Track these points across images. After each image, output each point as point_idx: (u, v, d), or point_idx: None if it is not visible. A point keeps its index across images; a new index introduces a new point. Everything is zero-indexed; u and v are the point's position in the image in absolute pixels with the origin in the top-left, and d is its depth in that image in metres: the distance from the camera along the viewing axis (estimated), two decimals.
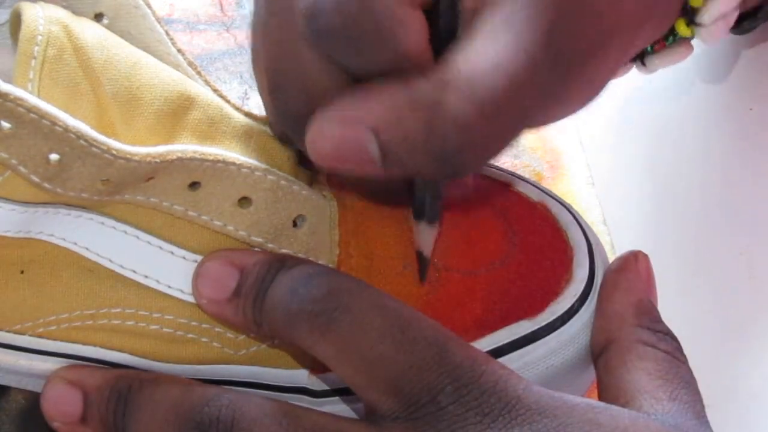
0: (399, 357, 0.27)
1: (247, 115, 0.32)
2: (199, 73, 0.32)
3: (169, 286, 0.30)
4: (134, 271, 0.30)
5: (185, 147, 0.29)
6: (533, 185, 0.35)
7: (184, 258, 0.30)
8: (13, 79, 0.27)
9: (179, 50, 0.32)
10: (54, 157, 0.26)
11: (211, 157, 0.29)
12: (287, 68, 0.28)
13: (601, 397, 0.30)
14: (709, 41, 0.33)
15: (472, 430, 0.26)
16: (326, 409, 0.31)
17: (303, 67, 0.27)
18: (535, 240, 0.33)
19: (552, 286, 0.32)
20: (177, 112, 0.30)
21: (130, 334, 0.30)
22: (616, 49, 0.29)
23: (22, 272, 0.29)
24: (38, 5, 0.28)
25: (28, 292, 0.29)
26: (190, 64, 0.32)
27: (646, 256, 0.32)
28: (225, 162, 0.29)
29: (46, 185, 0.27)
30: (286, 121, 0.29)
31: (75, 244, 0.29)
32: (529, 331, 0.31)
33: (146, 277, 0.30)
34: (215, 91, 0.32)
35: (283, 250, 0.31)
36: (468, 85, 0.25)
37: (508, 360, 0.30)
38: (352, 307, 0.27)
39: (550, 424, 0.26)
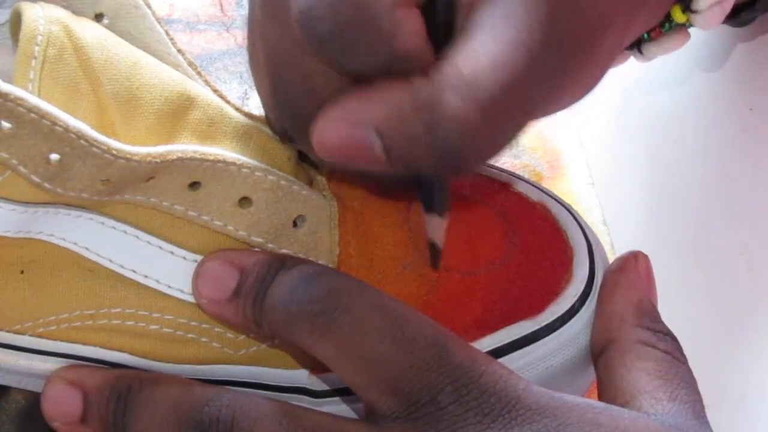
0: (399, 357, 0.27)
1: (247, 115, 0.32)
2: (199, 73, 0.32)
3: (169, 286, 0.30)
4: (134, 271, 0.30)
5: (185, 147, 0.29)
6: (533, 185, 0.35)
7: (184, 258, 0.30)
8: (13, 79, 0.27)
9: (179, 50, 0.32)
10: (54, 157, 0.26)
11: (211, 157, 0.29)
12: (288, 72, 0.28)
13: (600, 397, 0.30)
14: (704, 27, 0.33)
15: (472, 430, 0.26)
16: (326, 409, 0.31)
17: (304, 70, 0.27)
18: (535, 240, 0.33)
19: (552, 287, 0.32)
20: (177, 112, 0.30)
21: (130, 334, 0.30)
22: (612, 37, 0.29)
23: (22, 272, 0.29)
24: (38, 5, 0.28)
25: (28, 292, 0.29)
26: (190, 64, 0.32)
27: (645, 256, 0.32)
28: (225, 162, 0.29)
29: (47, 185, 0.27)
30: (289, 122, 0.29)
31: (75, 244, 0.29)
32: (529, 331, 0.31)
33: (146, 277, 0.30)
34: (215, 91, 0.32)
35: (283, 250, 0.31)
36: (468, 83, 0.25)
37: (508, 360, 0.30)
38: (352, 307, 0.27)
39: (550, 424, 0.26)
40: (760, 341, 0.34)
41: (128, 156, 0.27)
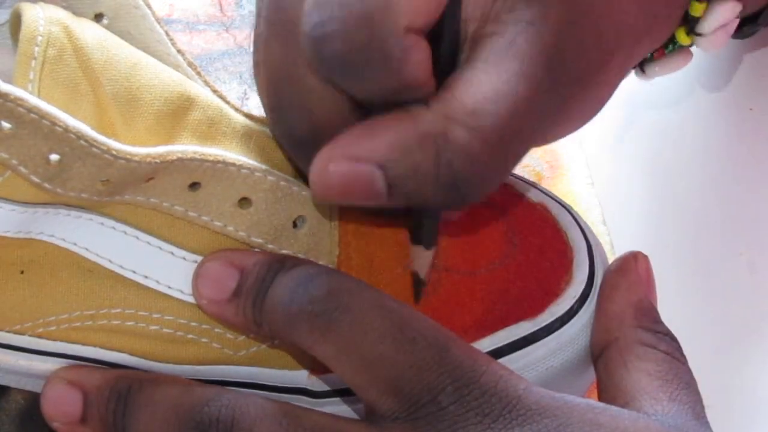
0: (399, 357, 0.27)
1: (247, 115, 0.32)
2: (198, 73, 0.32)
3: (169, 287, 0.30)
4: (134, 272, 0.30)
5: (185, 147, 0.29)
6: (533, 186, 0.35)
7: (184, 258, 0.30)
8: (13, 79, 0.27)
9: (179, 50, 0.32)
10: (54, 157, 0.26)
11: (211, 158, 0.29)
12: (290, 90, 0.28)
13: (600, 398, 0.30)
14: (709, 50, 0.33)
15: (472, 430, 0.26)
16: (326, 409, 0.31)
17: (305, 89, 0.27)
18: (535, 241, 0.33)
19: (552, 287, 0.32)
20: (177, 112, 0.29)
21: (130, 335, 0.30)
22: (616, 66, 0.29)
23: (21, 272, 0.29)
24: (38, 6, 0.28)
25: (28, 292, 0.29)
26: (190, 64, 0.32)
27: (645, 256, 0.32)
28: (225, 162, 0.29)
29: (46, 185, 0.27)
30: (287, 142, 0.29)
31: (75, 244, 0.29)
32: (529, 332, 0.31)
33: (146, 277, 0.30)
34: (215, 91, 0.32)
35: (283, 251, 0.31)
36: (472, 115, 0.25)
37: (508, 361, 0.30)
38: (352, 307, 0.27)
39: (550, 424, 0.26)
40: (760, 341, 0.34)
41: (128, 156, 0.27)
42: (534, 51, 0.26)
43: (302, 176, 0.31)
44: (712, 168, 0.39)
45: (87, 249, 0.29)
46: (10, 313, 0.30)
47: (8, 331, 0.30)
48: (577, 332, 0.31)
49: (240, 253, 0.30)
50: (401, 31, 0.25)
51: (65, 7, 0.29)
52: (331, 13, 0.25)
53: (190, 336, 0.30)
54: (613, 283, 0.32)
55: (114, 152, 0.27)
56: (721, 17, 0.31)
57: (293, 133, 0.28)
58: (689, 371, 0.29)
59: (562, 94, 0.27)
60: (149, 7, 0.31)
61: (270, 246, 0.30)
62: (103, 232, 0.29)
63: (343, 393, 0.31)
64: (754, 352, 0.35)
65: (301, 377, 0.31)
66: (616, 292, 0.31)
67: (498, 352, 0.31)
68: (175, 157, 0.28)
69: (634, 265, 0.32)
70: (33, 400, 0.34)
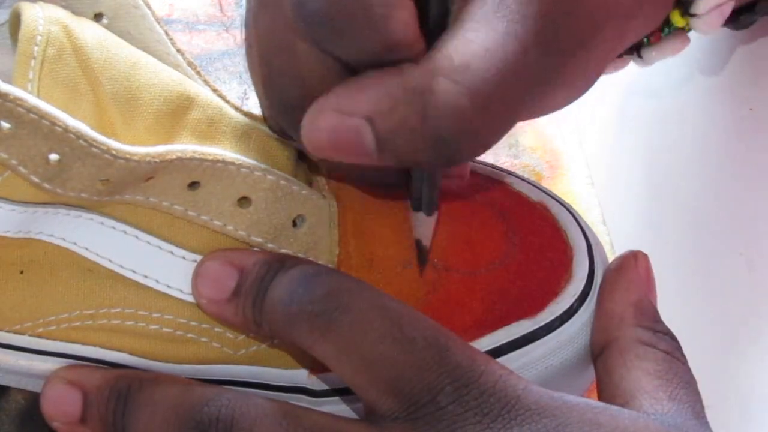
0: (399, 357, 0.27)
1: (247, 115, 0.32)
2: (198, 73, 0.32)
3: (169, 286, 0.30)
4: (134, 271, 0.30)
5: (185, 147, 0.29)
6: (533, 185, 0.35)
7: (183, 258, 0.30)
8: (12, 79, 0.27)
9: (179, 50, 0.32)
10: (54, 157, 0.26)
11: (210, 157, 0.29)
12: (280, 59, 0.28)
13: (600, 397, 0.30)
14: (704, 31, 0.33)
15: (471, 430, 0.26)
16: (326, 409, 0.31)
17: (295, 57, 0.27)
18: (535, 240, 0.33)
19: (551, 286, 0.32)
20: (176, 112, 0.30)
21: (130, 334, 0.30)
22: (608, 38, 0.29)
23: (21, 272, 0.29)
24: (38, 5, 0.28)
25: (28, 292, 0.29)
26: (190, 64, 0.32)
27: (645, 255, 0.32)
28: (224, 162, 0.29)
29: (46, 185, 0.27)
30: (281, 113, 0.29)
31: (75, 244, 0.29)
32: (529, 330, 0.31)
33: (146, 276, 0.30)
34: (214, 91, 0.32)
35: (283, 250, 0.31)
36: (459, 71, 0.25)
37: (508, 360, 0.30)
38: (352, 307, 0.27)
39: (549, 424, 0.26)
40: (760, 341, 0.34)
41: (128, 156, 0.27)
42: (523, 13, 0.26)
43: (307, 160, 0.31)
44: (712, 168, 0.39)
45: (87, 248, 0.29)
46: (10, 313, 0.30)
47: (8, 331, 0.30)
48: (576, 331, 0.31)
49: (239, 252, 0.30)
50: None
51: (65, 7, 0.29)
52: None
53: (189, 335, 0.30)
54: (612, 282, 0.32)
55: (113, 152, 0.27)
56: None
57: (286, 100, 0.28)
58: (689, 370, 0.29)
59: (553, 60, 0.27)
60: (149, 6, 0.31)
61: (270, 245, 0.30)
62: (103, 232, 0.29)
63: (343, 392, 0.31)
64: (753, 351, 0.35)
65: (301, 376, 0.31)
66: (615, 291, 0.31)
67: (497, 351, 0.31)
68: (174, 157, 0.28)
69: (633, 265, 0.32)
70: (33, 400, 0.34)
